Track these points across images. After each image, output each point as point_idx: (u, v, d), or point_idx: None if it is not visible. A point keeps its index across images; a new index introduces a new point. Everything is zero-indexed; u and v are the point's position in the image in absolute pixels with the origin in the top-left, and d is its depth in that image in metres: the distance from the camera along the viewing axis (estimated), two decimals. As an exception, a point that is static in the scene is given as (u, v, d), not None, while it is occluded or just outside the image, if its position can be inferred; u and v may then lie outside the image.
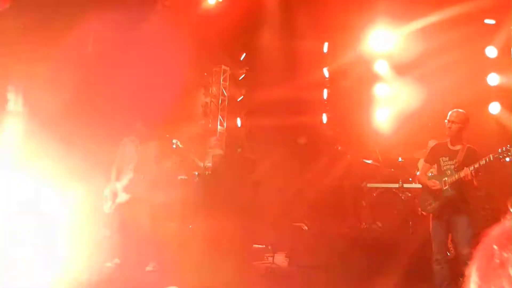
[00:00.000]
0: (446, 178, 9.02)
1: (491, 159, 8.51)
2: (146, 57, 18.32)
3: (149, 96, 19.26)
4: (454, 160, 9.00)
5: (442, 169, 9.18)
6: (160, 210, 18.01)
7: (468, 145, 9.08)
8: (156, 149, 11.60)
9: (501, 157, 8.48)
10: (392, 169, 15.31)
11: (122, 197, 11.44)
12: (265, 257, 13.74)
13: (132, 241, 11.46)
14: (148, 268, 11.36)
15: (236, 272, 12.43)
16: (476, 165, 8.58)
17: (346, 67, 19.08)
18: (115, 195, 11.59)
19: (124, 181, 11.54)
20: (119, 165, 11.80)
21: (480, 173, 8.74)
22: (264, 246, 14.44)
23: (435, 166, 9.46)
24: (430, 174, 9.58)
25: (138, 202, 11.43)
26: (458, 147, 9.11)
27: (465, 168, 8.70)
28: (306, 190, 15.37)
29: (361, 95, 18.87)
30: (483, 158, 8.60)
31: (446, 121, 9.06)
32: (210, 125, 22.38)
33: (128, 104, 17.44)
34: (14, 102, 12.71)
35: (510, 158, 8.47)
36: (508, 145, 8.50)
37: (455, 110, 9.14)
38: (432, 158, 9.53)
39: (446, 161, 9.15)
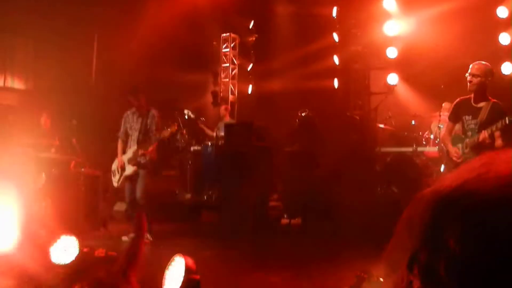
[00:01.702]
0: (467, 140, 8.51)
1: (507, 122, 7.95)
2: (153, 25, 18.28)
3: (154, 64, 19.28)
4: (477, 119, 8.40)
5: (465, 129, 8.62)
6: (167, 181, 18.12)
7: (493, 101, 8.43)
8: (155, 118, 11.51)
9: None
10: (406, 133, 15.19)
11: (129, 169, 11.45)
12: (281, 225, 13.78)
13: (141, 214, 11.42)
14: (124, 238, 11.36)
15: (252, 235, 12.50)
16: (493, 128, 8.04)
17: (356, 30, 18.94)
18: (122, 168, 11.61)
19: (129, 153, 11.55)
20: (123, 138, 11.79)
21: (502, 136, 8.10)
22: (280, 213, 14.44)
23: (460, 124, 8.82)
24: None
25: (144, 173, 11.41)
26: (481, 104, 8.44)
27: (482, 131, 8.15)
28: (319, 156, 15.30)
29: (372, 58, 18.73)
30: (500, 121, 8.02)
31: (467, 75, 8.52)
32: (221, 94, 22.35)
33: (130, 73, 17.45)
34: None
35: None
36: None
37: (476, 62, 8.47)
38: (456, 116, 8.89)
39: (469, 120, 8.54)
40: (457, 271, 0.85)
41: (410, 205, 0.99)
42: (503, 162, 0.94)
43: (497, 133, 8.14)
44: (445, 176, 1.00)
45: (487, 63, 8.51)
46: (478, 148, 8.14)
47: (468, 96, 8.65)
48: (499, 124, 8.02)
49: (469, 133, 8.49)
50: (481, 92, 8.41)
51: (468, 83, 8.39)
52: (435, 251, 0.88)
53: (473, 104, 8.52)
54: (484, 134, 8.10)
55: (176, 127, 11.68)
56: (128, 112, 11.88)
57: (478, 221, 0.85)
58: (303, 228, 13.07)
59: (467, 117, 8.57)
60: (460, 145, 8.66)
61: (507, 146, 8.08)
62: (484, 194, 0.88)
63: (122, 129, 11.88)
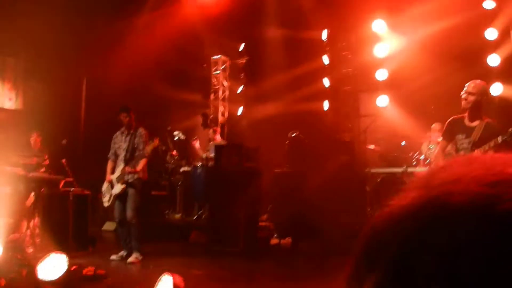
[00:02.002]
0: None
1: (499, 141, 7.80)
2: (143, 47, 18.34)
3: (144, 86, 19.32)
4: (470, 138, 8.20)
5: (458, 148, 8.43)
6: (157, 201, 18.15)
7: (487, 120, 8.24)
8: (142, 137, 11.55)
9: (509, 139, 7.74)
10: (396, 154, 15.22)
11: (117, 188, 11.46)
12: (271, 245, 13.77)
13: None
14: (113, 257, 11.41)
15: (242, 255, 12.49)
16: (486, 147, 7.91)
17: (346, 53, 19.04)
18: (111, 186, 11.64)
19: (117, 172, 11.58)
20: (113, 158, 11.84)
21: None
22: (269, 234, 14.42)
23: (453, 143, 8.62)
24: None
25: (133, 192, 11.42)
26: (475, 123, 8.21)
27: (475, 150, 8.02)
28: (309, 177, 15.32)
29: (362, 81, 18.83)
30: (492, 140, 7.87)
31: (462, 93, 8.34)
32: (211, 116, 22.39)
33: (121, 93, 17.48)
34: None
35: None
36: None
37: (473, 80, 8.27)
38: (449, 134, 8.64)
39: (462, 139, 8.33)
40: None
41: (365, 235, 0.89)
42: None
43: (489, 153, 7.88)
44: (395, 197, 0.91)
45: (483, 82, 8.43)
46: None
47: (461, 115, 8.49)
48: (492, 143, 7.89)
49: (462, 152, 8.33)
50: (476, 110, 8.24)
51: (463, 101, 8.22)
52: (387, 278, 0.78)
53: (466, 123, 8.36)
54: (477, 154, 7.66)
55: (157, 142, 11.72)
56: (117, 132, 11.97)
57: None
58: (293, 248, 13.05)
59: (460, 136, 8.40)
60: None
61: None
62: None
63: (111, 150, 11.94)
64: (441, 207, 0.74)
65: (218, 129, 18.33)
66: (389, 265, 0.76)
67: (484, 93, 8.29)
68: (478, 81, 8.31)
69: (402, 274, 0.74)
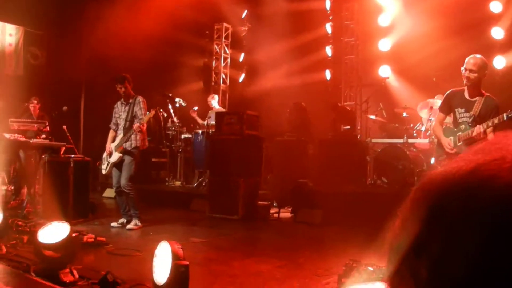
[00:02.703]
0: (460, 133, 8.41)
1: (505, 118, 7.80)
2: (144, 13, 18.27)
3: (147, 52, 19.28)
4: (470, 113, 8.28)
5: (458, 121, 8.50)
6: (157, 168, 18.20)
7: (486, 95, 8.30)
8: (140, 104, 11.53)
9: None
10: (397, 124, 15.19)
11: (115, 156, 11.49)
12: (270, 214, 13.79)
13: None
14: (113, 224, 11.47)
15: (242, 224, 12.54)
16: (490, 123, 7.95)
17: (349, 23, 18.98)
18: (109, 155, 11.66)
19: (117, 141, 11.60)
20: (114, 128, 11.86)
21: (494, 131, 7.99)
22: (269, 203, 14.43)
23: (451, 116, 8.72)
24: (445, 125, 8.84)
25: (129, 160, 11.44)
26: (475, 98, 8.29)
27: (477, 126, 8.09)
28: (310, 147, 15.33)
29: (365, 51, 18.78)
30: (497, 117, 7.89)
31: (462, 69, 8.26)
32: (213, 83, 22.39)
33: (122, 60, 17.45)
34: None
35: None
36: None
37: (472, 56, 8.23)
38: (448, 107, 8.74)
39: (462, 112, 8.42)
40: (473, 269, 0.79)
41: (418, 188, 0.93)
42: None
43: (489, 129, 8.02)
44: (455, 159, 0.94)
45: (482, 56, 8.32)
46: (472, 142, 8.01)
47: (460, 88, 8.53)
48: (496, 120, 7.91)
49: (462, 126, 8.40)
50: (476, 86, 8.27)
51: (465, 79, 8.21)
52: (449, 244, 0.82)
53: (466, 97, 8.40)
54: (479, 129, 8.05)
55: (154, 112, 11.69)
56: (118, 102, 11.98)
57: (502, 215, 0.78)
58: (293, 216, 13.07)
59: (460, 110, 8.45)
60: (452, 138, 8.57)
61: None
62: (503, 184, 0.80)
63: (113, 119, 11.95)
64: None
65: (214, 96, 18.28)
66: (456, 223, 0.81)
67: (485, 68, 8.22)
68: (478, 56, 8.24)
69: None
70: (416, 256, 0.86)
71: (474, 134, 8.12)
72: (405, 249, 0.89)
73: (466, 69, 8.15)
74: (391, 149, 14.42)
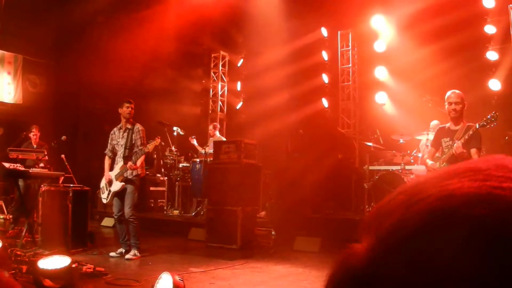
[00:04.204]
0: (444, 156, 8.97)
1: (477, 127, 8.49)
2: (140, 43, 18.36)
3: (143, 81, 19.36)
4: (453, 139, 8.85)
5: (443, 150, 9.09)
6: (156, 197, 18.20)
7: (468, 123, 8.87)
8: (140, 133, 11.58)
9: (485, 124, 8.47)
10: (394, 151, 15.25)
11: (116, 185, 11.49)
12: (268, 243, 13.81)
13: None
14: (112, 254, 11.47)
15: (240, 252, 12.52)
16: (466, 137, 8.53)
17: (345, 50, 19.11)
18: (109, 184, 11.66)
19: (116, 169, 11.62)
20: (109, 155, 11.88)
21: (476, 147, 8.57)
22: (266, 229, 14.47)
23: (440, 148, 9.28)
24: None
25: (132, 189, 11.45)
26: (458, 126, 8.93)
27: (456, 141, 8.61)
28: (308, 174, 15.37)
29: (361, 77, 18.90)
30: (470, 129, 8.56)
31: (446, 103, 8.92)
32: (210, 112, 22.48)
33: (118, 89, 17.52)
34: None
35: (495, 124, 8.47)
36: (494, 112, 8.52)
37: (452, 91, 8.93)
38: (435, 142, 9.40)
39: (446, 141, 9.04)
40: None
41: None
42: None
43: (473, 149, 8.61)
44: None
45: (459, 91, 8.96)
46: (454, 161, 8.41)
47: (445, 124, 9.32)
48: (470, 131, 8.55)
49: (446, 150, 9.00)
50: (460, 116, 8.94)
51: (452, 111, 8.89)
52: None
53: (451, 127, 9.09)
54: (458, 144, 8.52)
55: (159, 140, 11.74)
56: (115, 129, 11.99)
57: None
58: (291, 244, 13.07)
59: (445, 139, 9.13)
60: (437, 163, 9.14)
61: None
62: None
63: (108, 146, 11.98)
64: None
65: (217, 125, 18.34)
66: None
67: (464, 99, 8.93)
68: (457, 91, 8.92)
69: None
70: None
71: (455, 151, 8.56)
72: None
73: (451, 103, 8.90)
74: (388, 176, 14.45)
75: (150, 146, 11.39)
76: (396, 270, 0.75)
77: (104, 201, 12.07)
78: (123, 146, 11.66)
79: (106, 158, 11.99)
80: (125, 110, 11.69)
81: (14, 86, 20.71)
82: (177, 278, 6.00)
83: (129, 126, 11.74)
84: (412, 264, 0.73)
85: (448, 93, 8.95)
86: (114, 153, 11.89)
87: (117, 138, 11.86)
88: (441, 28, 15.25)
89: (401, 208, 0.81)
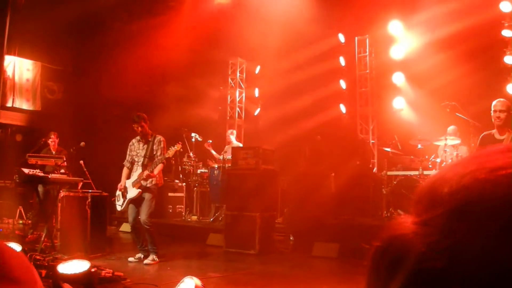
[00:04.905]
0: None
1: None
2: (160, 49, 18.41)
3: (162, 87, 19.41)
4: None
5: None
6: (174, 203, 18.22)
7: None
8: (161, 143, 11.59)
9: None
10: (412, 157, 15.20)
11: (133, 192, 11.51)
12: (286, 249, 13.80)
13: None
14: (131, 259, 11.49)
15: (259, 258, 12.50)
16: None
17: (362, 55, 19.09)
18: (126, 191, 11.67)
19: (134, 176, 11.62)
20: (128, 166, 11.89)
21: None
22: (285, 235, 14.48)
23: None
24: None
25: (149, 197, 11.46)
26: (504, 136, 8.92)
27: None
28: (326, 180, 15.33)
29: (379, 83, 18.86)
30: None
31: (492, 112, 8.89)
32: (228, 118, 22.49)
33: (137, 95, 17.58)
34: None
35: None
36: None
37: (498, 99, 8.95)
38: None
39: None
40: None
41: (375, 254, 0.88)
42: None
43: None
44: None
45: (507, 100, 9.01)
46: None
47: (490, 131, 9.22)
48: None
49: None
50: (505, 125, 8.88)
51: (496, 119, 8.90)
52: None
53: (496, 136, 9.02)
54: None
55: (180, 146, 11.74)
56: (133, 140, 11.99)
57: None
58: (309, 249, 13.04)
59: None
60: None
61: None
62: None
63: (127, 157, 11.98)
64: None
65: (234, 131, 18.34)
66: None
67: (510, 108, 8.88)
68: (503, 99, 8.97)
69: None
70: None
71: None
72: None
73: (496, 111, 8.87)
74: (407, 181, 14.40)
75: (171, 152, 11.41)
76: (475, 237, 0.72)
77: (119, 208, 12.09)
78: (143, 156, 11.68)
79: (124, 168, 12.00)
80: (135, 129, 11.74)
81: (33, 93, 20.85)
82: (199, 282, 6.00)
83: (149, 139, 11.77)
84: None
85: (494, 101, 8.97)
86: (132, 164, 11.91)
87: (137, 150, 11.86)
88: (458, 33, 15.18)
89: (467, 175, 0.78)
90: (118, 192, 11.96)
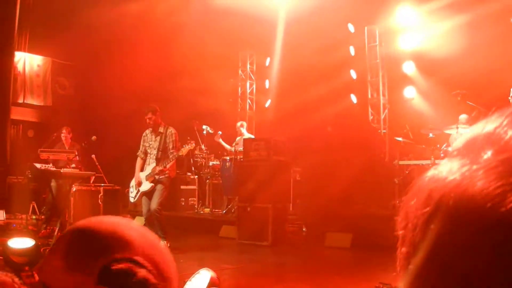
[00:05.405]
0: None
1: None
2: (170, 41, 18.39)
3: (173, 79, 19.39)
4: None
5: None
6: (186, 195, 18.21)
7: None
8: (173, 136, 11.62)
9: None
10: (423, 146, 15.15)
11: (146, 185, 11.55)
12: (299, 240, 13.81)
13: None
14: None
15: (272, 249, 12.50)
16: None
17: (372, 46, 19.02)
18: (139, 184, 11.71)
19: (147, 170, 11.66)
20: (142, 156, 11.92)
21: None
22: (297, 225, 14.48)
23: None
24: None
25: (161, 188, 11.50)
26: None
27: None
28: (338, 170, 15.31)
29: (389, 72, 18.79)
30: None
31: (510, 98, 8.61)
32: (239, 110, 22.49)
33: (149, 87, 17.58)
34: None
35: None
36: None
37: None
38: None
39: None
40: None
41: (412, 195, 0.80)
42: None
43: None
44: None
45: None
46: None
47: None
48: None
49: None
50: None
51: None
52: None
53: None
54: None
55: (193, 145, 11.78)
56: (147, 131, 12.05)
57: None
58: (322, 240, 13.02)
59: None
60: None
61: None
62: None
63: (141, 148, 12.05)
64: None
65: (244, 123, 18.30)
66: None
67: None
68: None
69: None
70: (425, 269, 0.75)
71: None
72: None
73: None
74: (419, 170, 14.33)
75: (184, 151, 11.46)
76: None
77: (132, 200, 12.17)
78: (156, 148, 11.73)
79: (138, 159, 12.06)
80: (147, 120, 11.77)
81: (44, 89, 20.89)
82: (214, 274, 5.98)
83: (161, 130, 11.81)
84: None
85: None
86: (145, 155, 11.95)
87: (149, 141, 11.93)
88: (470, 21, 15.09)
89: None
90: (133, 183, 12.02)
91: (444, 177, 0.73)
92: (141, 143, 12.10)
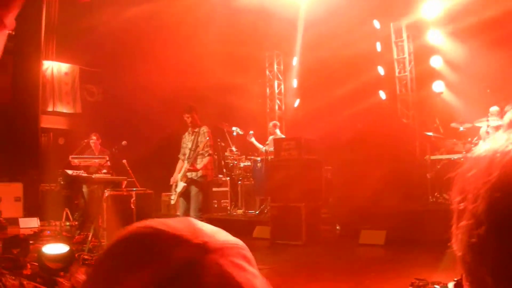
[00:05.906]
0: None
1: None
2: (196, 46, 18.44)
3: (199, 82, 19.45)
4: None
5: None
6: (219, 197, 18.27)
7: None
8: (205, 134, 11.67)
9: None
10: (454, 140, 15.05)
11: (180, 186, 11.62)
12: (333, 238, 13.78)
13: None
14: None
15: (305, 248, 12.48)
16: None
17: (399, 41, 18.93)
18: (175, 185, 11.80)
19: (182, 171, 11.71)
20: (182, 158, 12.00)
21: None
22: (331, 224, 14.46)
23: None
24: None
25: (196, 191, 11.54)
26: None
27: None
28: (370, 167, 15.25)
29: (417, 68, 18.70)
30: None
31: None
32: (268, 110, 22.49)
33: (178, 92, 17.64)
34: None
35: None
36: None
37: None
38: None
39: None
40: None
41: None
42: None
43: None
44: None
45: None
46: None
47: None
48: None
49: None
50: None
51: None
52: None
53: None
54: None
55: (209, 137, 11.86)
56: (186, 133, 12.16)
57: None
58: (356, 238, 12.98)
59: None
60: None
61: None
62: None
63: (181, 150, 12.17)
64: None
65: (276, 123, 18.28)
66: None
67: None
68: None
69: None
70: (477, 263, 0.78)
71: None
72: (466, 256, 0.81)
73: None
74: (451, 165, 14.26)
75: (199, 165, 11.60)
76: None
77: (172, 201, 12.25)
78: (190, 149, 11.81)
79: (179, 161, 12.16)
80: (185, 119, 11.87)
81: (73, 97, 21.07)
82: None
83: (196, 129, 11.87)
84: None
85: None
86: (185, 156, 12.04)
87: (186, 142, 12.04)
88: (496, 16, 14.94)
89: None
90: (173, 186, 12.10)
91: (504, 146, 0.73)
92: (182, 145, 12.23)
